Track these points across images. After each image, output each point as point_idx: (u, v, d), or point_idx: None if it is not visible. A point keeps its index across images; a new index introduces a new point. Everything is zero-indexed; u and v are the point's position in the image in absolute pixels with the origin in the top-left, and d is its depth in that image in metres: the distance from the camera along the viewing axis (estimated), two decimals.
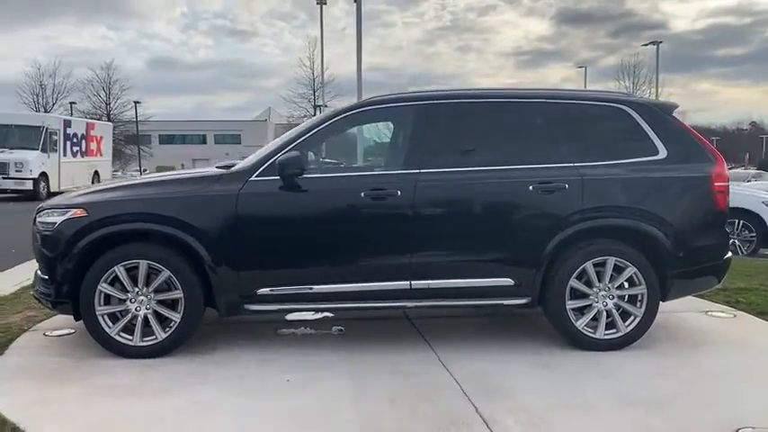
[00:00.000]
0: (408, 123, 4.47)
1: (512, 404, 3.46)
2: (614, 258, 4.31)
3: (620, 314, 4.36)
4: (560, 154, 4.39)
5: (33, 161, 21.51)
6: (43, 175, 22.01)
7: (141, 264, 4.14)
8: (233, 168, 4.46)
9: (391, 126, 4.91)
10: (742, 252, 9.55)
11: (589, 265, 4.30)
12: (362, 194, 4.20)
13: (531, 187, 4.26)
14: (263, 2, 75.87)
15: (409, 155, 4.40)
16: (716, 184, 4.44)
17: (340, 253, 4.27)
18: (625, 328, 4.35)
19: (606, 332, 4.35)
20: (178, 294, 4.17)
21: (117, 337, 4.17)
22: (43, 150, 22.38)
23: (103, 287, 4.13)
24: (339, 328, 4.90)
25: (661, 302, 4.53)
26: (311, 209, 4.27)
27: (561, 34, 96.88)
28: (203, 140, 70.88)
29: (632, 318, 4.36)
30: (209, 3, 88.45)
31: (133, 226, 4.17)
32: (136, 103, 50.64)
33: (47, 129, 22.97)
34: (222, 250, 4.15)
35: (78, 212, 4.20)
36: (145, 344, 4.18)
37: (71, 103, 49.50)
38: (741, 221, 9.73)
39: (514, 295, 4.34)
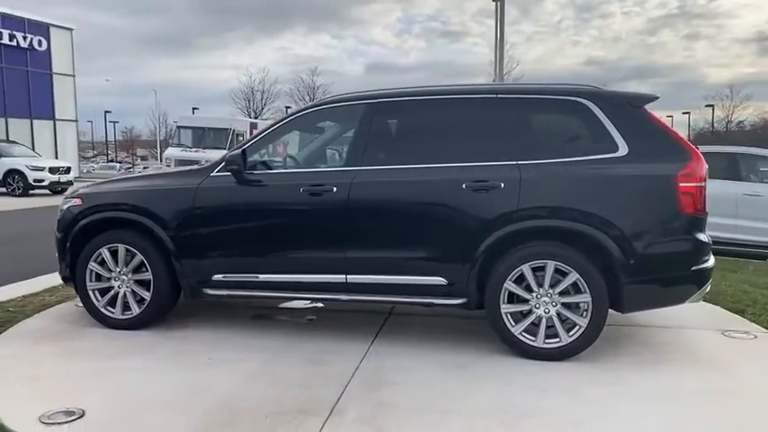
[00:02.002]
0: (353, 122, 4.57)
1: (378, 400, 3.47)
2: (554, 262, 4.04)
3: (563, 323, 4.09)
4: (504, 152, 4.20)
5: None
6: None
7: (120, 247, 4.75)
8: (207, 164, 4.92)
9: (342, 125, 5.02)
10: None
11: (527, 269, 4.07)
12: (302, 190, 4.41)
13: (464, 186, 4.15)
14: (474, 1, 76.77)
15: (351, 153, 4.51)
16: (681, 184, 3.95)
17: (282, 245, 4.51)
18: (568, 337, 4.06)
19: (547, 341, 4.10)
20: (148, 276, 4.72)
21: (103, 310, 4.82)
22: (230, 149, 25.15)
23: (93, 266, 4.81)
24: (311, 317, 5.16)
25: (623, 314, 4.18)
26: (257, 203, 4.57)
27: None
28: None
29: (577, 327, 4.06)
30: (422, 7, 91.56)
31: (111, 214, 4.79)
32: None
33: (233, 131, 25.80)
34: (182, 238, 4.61)
35: (77, 201, 4.94)
36: (124, 317, 4.79)
37: (286, 106, 54.27)
38: None
39: (448, 295, 4.25)
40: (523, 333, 4.12)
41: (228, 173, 4.55)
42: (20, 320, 5.07)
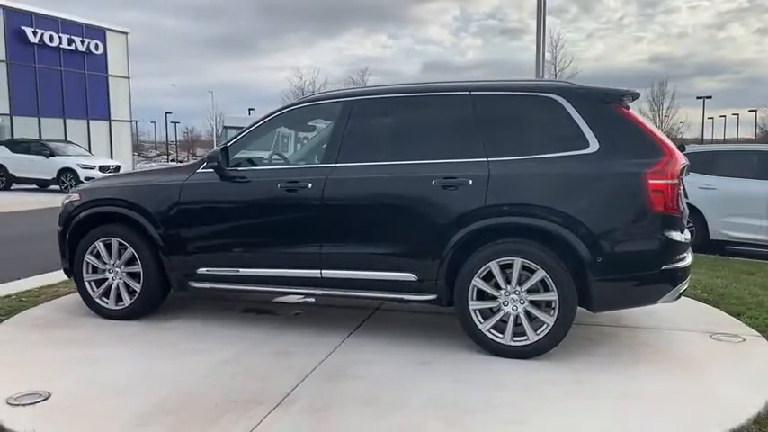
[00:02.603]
0: (332, 120, 4.65)
1: (331, 392, 3.53)
2: (521, 260, 4.01)
3: (532, 321, 4.06)
4: (475, 149, 4.19)
5: None
6: None
7: (113, 241, 4.97)
8: (196, 161, 5.08)
9: (321, 123, 5.09)
10: None
11: (495, 266, 4.06)
12: (279, 186, 4.52)
13: (433, 182, 4.17)
14: None
15: (328, 150, 4.58)
16: (651, 181, 3.86)
17: (260, 240, 4.62)
18: (535, 335, 4.03)
19: (515, 338, 4.07)
20: (139, 269, 4.91)
21: (98, 300, 5.05)
22: (274, 149, 25.74)
23: (89, 258, 5.04)
24: (298, 312, 5.26)
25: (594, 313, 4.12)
26: (237, 199, 4.69)
27: None
28: None
29: (544, 326, 4.02)
30: (480, 4, 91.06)
31: (105, 209, 5.01)
32: None
33: (279, 132, 26.28)
34: (168, 232, 4.78)
35: (76, 197, 5.19)
36: (117, 308, 5.00)
37: None
38: None
39: (418, 291, 4.28)
40: (492, 330, 4.11)
41: (212, 170, 4.70)
42: (26, 309, 5.36)
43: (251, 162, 4.88)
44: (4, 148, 23.14)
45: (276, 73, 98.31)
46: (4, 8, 28.54)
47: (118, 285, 4.98)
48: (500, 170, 4.08)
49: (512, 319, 4.07)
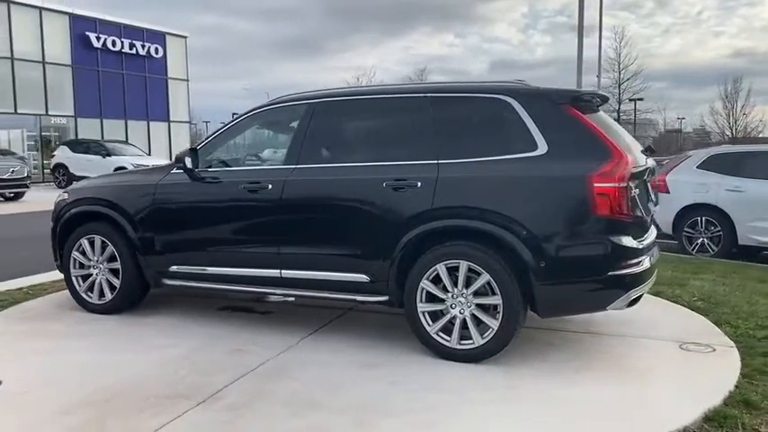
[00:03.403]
0: (296, 122, 4.72)
1: (260, 390, 3.60)
2: (467, 263, 3.98)
3: (479, 325, 4.02)
4: (427, 151, 4.18)
5: None
6: None
7: (96, 238, 5.20)
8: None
9: (287, 125, 5.14)
10: None
11: (442, 268, 4.04)
12: (242, 187, 4.63)
13: (384, 184, 4.18)
14: None
15: (290, 151, 4.65)
16: (596, 185, 3.75)
17: (225, 240, 4.74)
18: (481, 339, 3.99)
19: (462, 342, 4.04)
20: (118, 265, 5.12)
21: (83, 295, 5.30)
22: None
23: (75, 255, 5.29)
24: (269, 311, 5.36)
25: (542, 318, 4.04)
26: (203, 199, 4.83)
27: None
28: None
29: (490, 329, 3.97)
30: (548, 1, 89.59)
31: (88, 208, 5.24)
32: None
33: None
34: (143, 230, 4.97)
35: (65, 196, 5.46)
36: (100, 303, 5.23)
37: None
38: None
39: (372, 292, 4.30)
40: (440, 333, 4.09)
41: (182, 170, 4.86)
42: (26, 301, 5.68)
43: (224, 163, 5.02)
44: (65, 148, 24.41)
45: (342, 73, 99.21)
46: (70, 15, 30.03)
47: (101, 281, 5.21)
48: (448, 172, 4.06)
49: (458, 322, 4.04)
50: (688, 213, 9.66)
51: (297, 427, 3.16)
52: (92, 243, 5.22)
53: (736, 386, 3.67)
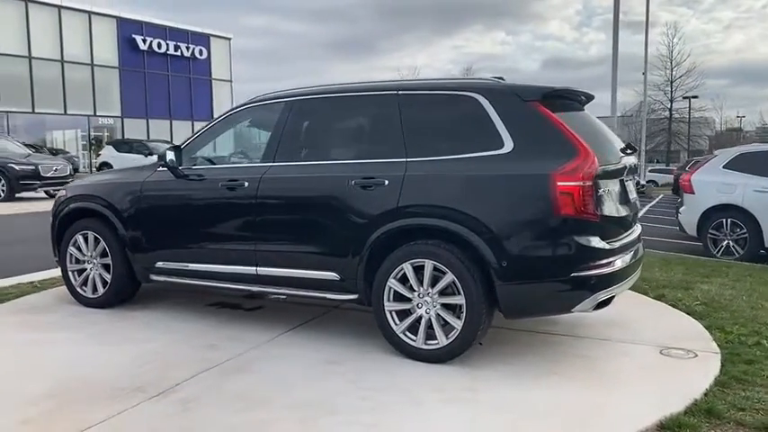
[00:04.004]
0: (273, 120, 4.74)
1: (215, 385, 3.64)
2: (432, 262, 3.93)
3: (443, 325, 3.96)
4: (396, 149, 4.15)
5: None
6: None
7: (89, 234, 5.35)
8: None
9: (268, 123, 5.15)
10: None
11: (408, 267, 4.00)
12: (220, 185, 4.69)
13: (353, 182, 4.17)
14: None
15: (267, 150, 4.68)
16: (559, 183, 3.65)
17: (204, 237, 4.81)
18: (446, 339, 3.93)
19: (428, 341, 4.00)
20: (109, 261, 5.26)
21: (78, 289, 5.45)
22: None
23: (71, 250, 5.45)
24: (259, 306, 5.41)
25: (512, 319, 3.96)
26: (185, 196, 4.91)
27: None
28: None
29: (454, 330, 3.92)
30: None
31: (82, 204, 5.39)
32: None
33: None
34: (131, 227, 5.09)
35: (63, 192, 5.64)
36: (93, 296, 5.38)
37: None
38: None
39: (342, 290, 4.29)
40: (407, 333, 4.06)
41: (165, 168, 4.95)
42: (31, 294, 5.88)
43: (209, 161, 5.09)
44: (110, 147, 25.22)
45: (392, 74, 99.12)
46: (118, 18, 31.00)
47: (94, 276, 5.36)
48: (415, 171, 4.02)
49: (424, 321, 3.99)
50: (713, 215, 9.33)
51: (239, 422, 3.18)
52: (86, 239, 5.37)
53: (706, 394, 3.52)
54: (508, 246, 3.73)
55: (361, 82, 4.64)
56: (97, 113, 30.81)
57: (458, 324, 3.89)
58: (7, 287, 6.11)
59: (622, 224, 4.14)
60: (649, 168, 46.75)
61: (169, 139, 30.13)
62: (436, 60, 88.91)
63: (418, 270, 4.00)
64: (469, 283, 3.81)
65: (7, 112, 26.84)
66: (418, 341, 4.01)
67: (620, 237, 4.05)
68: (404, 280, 4.05)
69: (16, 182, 16.90)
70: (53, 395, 3.50)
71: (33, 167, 17.26)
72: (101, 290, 5.32)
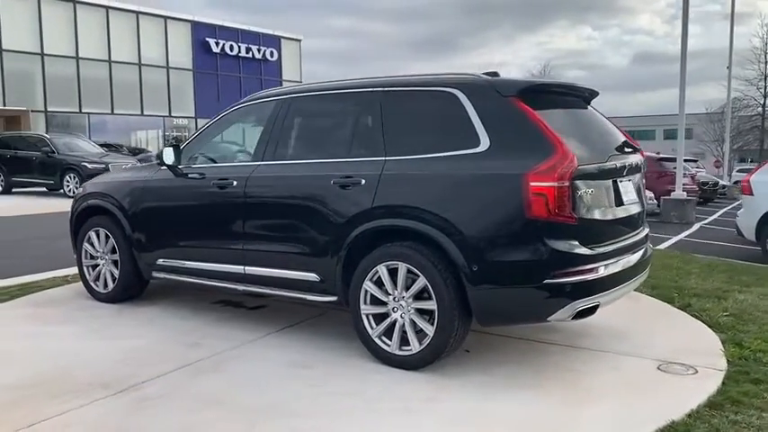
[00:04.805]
0: (265, 119, 4.72)
1: (179, 384, 3.66)
2: (405, 265, 3.79)
3: (418, 331, 3.81)
4: (377, 147, 4.03)
5: None
6: None
7: (101, 231, 5.51)
8: None
9: (261, 121, 5.11)
10: None
11: (383, 269, 3.88)
12: (212, 184, 4.71)
13: (332, 182, 4.08)
14: None
15: (257, 148, 4.66)
16: (532, 184, 3.43)
17: (198, 235, 4.85)
18: (419, 346, 3.78)
19: (403, 347, 3.86)
20: (117, 257, 5.40)
21: (92, 284, 5.62)
22: None
23: (86, 246, 5.63)
24: (261, 305, 5.41)
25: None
26: (182, 194, 4.95)
27: None
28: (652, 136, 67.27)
29: (426, 336, 3.76)
30: None
31: (94, 202, 5.55)
32: None
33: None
34: (135, 224, 5.20)
35: (80, 190, 5.83)
36: (104, 292, 5.53)
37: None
38: None
39: (322, 292, 4.22)
40: (382, 338, 3.93)
41: (165, 167, 5.02)
42: (52, 288, 6.13)
43: (212, 160, 5.13)
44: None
45: (474, 71, 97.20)
46: (192, 22, 32.14)
47: (105, 272, 5.51)
48: (391, 170, 3.89)
49: (398, 326, 3.86)
50: None
51: (181, 423, 3.16)
52: (98, 235, 5.53)
53: (689, 415, 3.22)
54: (479, 249, 3.54)
55: (346, 80, 4.55)
56: (172, 114, 32.04)
57: (430, 330, 3.73)
58: (40, 281, 6.37)
59: (614, 227, 3.86)
60: (737, 168, 44.16)
61: (241, 141, 30.89)
62: (518, 57, 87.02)
63: (393, 273, 3.86)
64: (441, 288, 3.65)
65: (89, 113, 28.37)
66: (393, 346, 3.88)
67: (610, 241, 3.77)
68: (380, 283, 3.93)
69: (88, 179, 17.79)
70: (21, 386, 3.59)
71: (104, 166, 18.12)
72: (110, 285, 5.47)
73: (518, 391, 3.55)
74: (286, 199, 4.36)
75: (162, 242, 5.09)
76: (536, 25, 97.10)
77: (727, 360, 4.05)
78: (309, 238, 4.21)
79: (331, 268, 4.10)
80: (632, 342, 4.40)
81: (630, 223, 4.07)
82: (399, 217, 3.81)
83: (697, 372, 3.83)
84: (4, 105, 25.79)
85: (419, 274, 3.73)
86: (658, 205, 15.69)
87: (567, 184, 3.43)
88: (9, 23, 25.65)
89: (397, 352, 3.86)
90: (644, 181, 4.49)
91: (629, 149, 4.21)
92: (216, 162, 5.06)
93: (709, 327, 4.82)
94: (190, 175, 4.93)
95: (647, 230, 4.43)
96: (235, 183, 4.55)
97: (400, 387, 3.60)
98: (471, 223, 3.58)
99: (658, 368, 3.91)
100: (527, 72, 55.44)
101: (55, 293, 5.90)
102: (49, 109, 27.60)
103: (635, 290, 5.86)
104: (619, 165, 3.90)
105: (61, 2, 27.57)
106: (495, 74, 4.21)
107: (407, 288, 3.81)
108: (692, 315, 5.15)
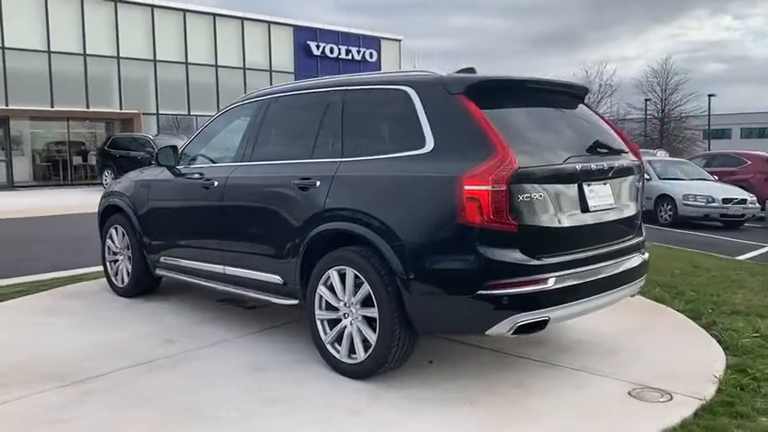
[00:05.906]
0: (248, 119, 4.73)
1: (131, 379, 3.76)
2: (352, 270, 3.66)
3: (364, 339, 3.67)
4: (335, 148, 3.94)
5: None
6: None
7: (118, 229, 5.78)
8: None
9: (246, 122, 5.08)
10: None
11: (334, 274, 3.77)
12: (199, 184, 4.79)
13: (293, 183, 4.03)
14: None
15: (238, 149, 4.69)
16: (466, 187, 3.18)
17: (188, 235, 4.97)
18: (364, 355, 3.65)
19: (351, 356, 3.74)
20: (130, 254, 5.64)
21: (113, 279, 5.92)
22: None
23: (108, 242, 5.93)
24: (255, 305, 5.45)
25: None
26: (176, 194, 5.10)
27: None
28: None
29: (371, 345, 3.61)
30: None
31: (113, 201, 5.82)
32: (710, 96, 47.60)
33: None
34: (143, 223, 5.41)
35: (108, 188, 6.15)
36: (121, 286, 5.80)
37: (646, 100, 48.34)
38: None
39: (285, 294, 4.18)
40: (335, 345, 3.82)
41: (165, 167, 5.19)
42: (85, 280, 6.52)
43: (210, 160, 5.23)
44: None
45: (599, 66, 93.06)
46: (294, 26, 33.17)
47: (122, 268, 5.78)
48: (343, 172, 3.78)
49: (347, 333, 3.74)
50: None
51: (106, 419, 3.23)
52: (117, 232, 5.81)
53: None
54: (415, 255, 3.35)
55: (317, 79, 4.47)
56: None
57: (373, 339, 3.58)
58: (79, 275, 6.78)
59: (576, 235, 3.52)
60: None
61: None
62: (650, 50, 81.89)
63: (343, 278, 3.75)
64: (382, 295, 3.49)
65: (197, 115, 29.96)
66: (341, 354, 3.76)
67: (570, 251, 3.44)
68: (333, 288, 3.82)
69: None
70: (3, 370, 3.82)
71: None
72: (126, 280, 5.72)
73: (453, 408, 3.32)
74: (256, 199, 4.36)
75: (162, 240, 5.25)
76: (670, 16, 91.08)
77: (719, 388, 3.58)
78: (274, 240, 4.18)
79: (291, 271, 4.06)
80: (616, 360, 4.01)
81: (604, 231, 3.70)
82: (345, 220, 3.70)
83: (671, 399, 3.42)
84: (121, 109, 27.86)
85: (363, 279, 3.59)
86: (762, 209, 14.32)
87: (503, 188, 3.16)
88: (126, 33, 27.68)
89: (345, 360, 3.74)
90: (639, 184, 4.08)
91: (613, 151, 3.83)
92: (208, 162, 5.15)
93: (726, 348, 4.29)
94: (185, 176, 5.06)
95: (639, 238, 4.02)
96: (216, 183, 4.62)
97: (335, 395, 3.49)
98: (408, 228, 3.40)
99: (629, 393, 3.53)
100: (646, 67, 51.64)
101: (80, 287, 6.24)
102: (160, 111, 29.49)
103: (663, 304, 5.39)
104: (583, 167, 3.54)
105: (171, 11, 29.38)
106: (471, 70, 3.98)
107: (355, 294, 3.69)
108: (712, 334, 4.61)
